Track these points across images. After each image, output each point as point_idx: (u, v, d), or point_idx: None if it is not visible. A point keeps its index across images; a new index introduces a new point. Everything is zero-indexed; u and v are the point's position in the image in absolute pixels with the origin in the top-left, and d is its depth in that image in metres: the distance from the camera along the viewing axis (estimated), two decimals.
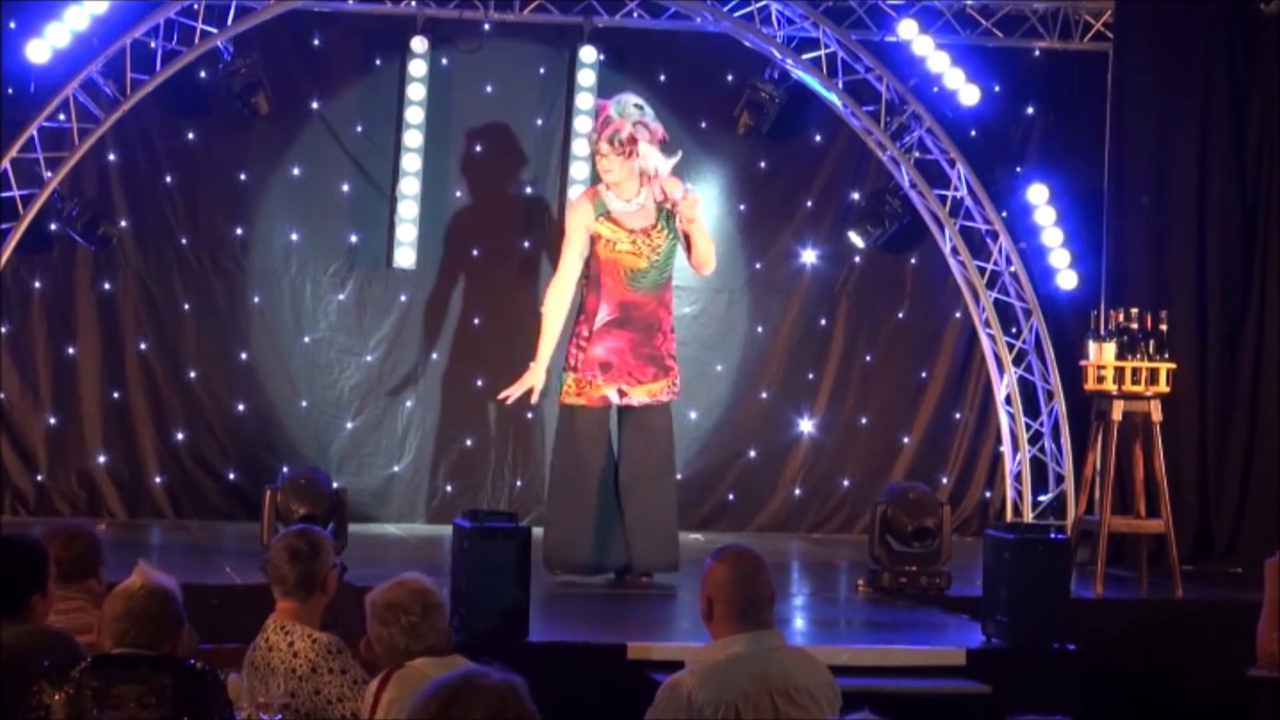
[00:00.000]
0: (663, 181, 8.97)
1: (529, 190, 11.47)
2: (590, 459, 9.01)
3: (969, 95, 11.26)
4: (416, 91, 11.15)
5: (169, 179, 11.14)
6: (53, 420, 11.01)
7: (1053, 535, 7.80)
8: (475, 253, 11.51)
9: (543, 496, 11.23)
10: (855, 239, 11.66)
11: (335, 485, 9.11)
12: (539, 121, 11.42)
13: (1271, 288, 10.87)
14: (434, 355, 11.44)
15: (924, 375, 11.86)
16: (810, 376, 11.81)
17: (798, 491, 11.76)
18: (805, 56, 11.10)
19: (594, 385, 8.96)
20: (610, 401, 8.97)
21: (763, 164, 11.75)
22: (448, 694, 3.19)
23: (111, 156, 11.01)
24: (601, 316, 8.95)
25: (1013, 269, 11.23)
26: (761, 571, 4.64)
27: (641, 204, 8.96)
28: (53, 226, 10.82)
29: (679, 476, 11.39)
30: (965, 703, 7.07)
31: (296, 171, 11.30)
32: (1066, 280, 11.38)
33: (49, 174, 10.42)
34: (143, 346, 11.13)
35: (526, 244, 11.49)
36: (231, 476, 11.15)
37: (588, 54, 11.30)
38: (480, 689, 3.19)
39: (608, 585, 8.98)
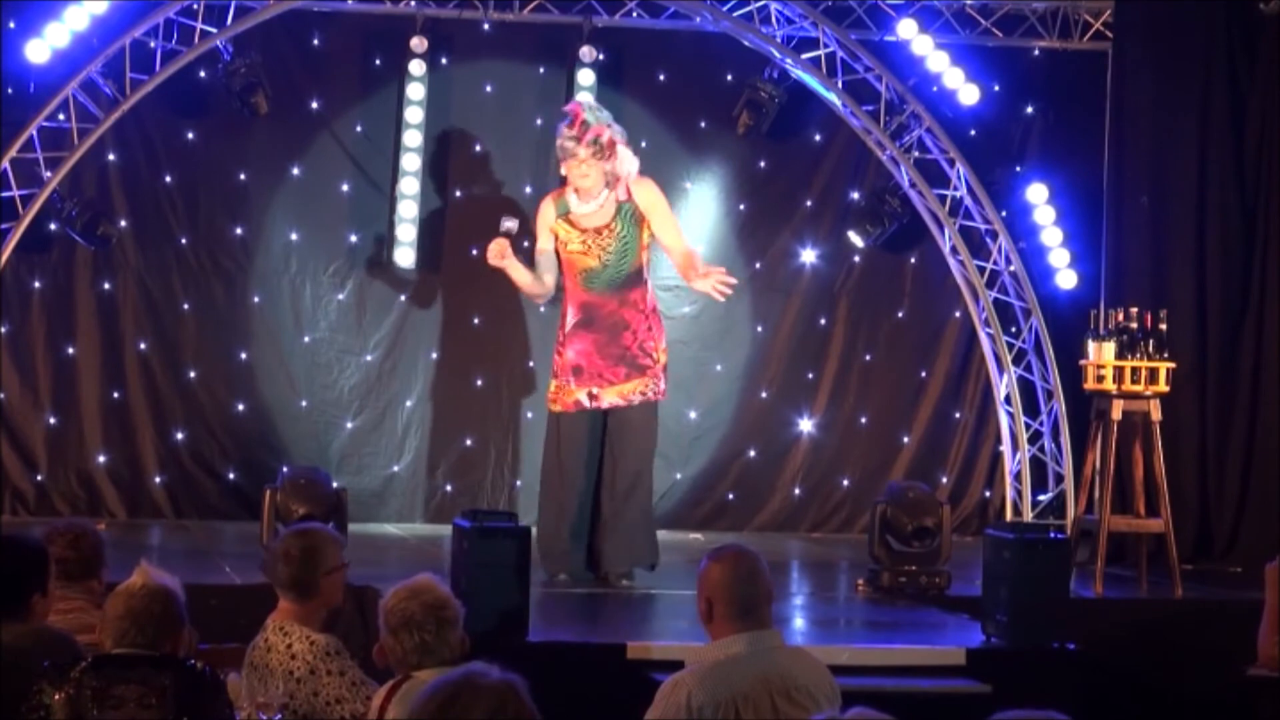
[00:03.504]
0: (629, 182, 9.02)
1: (529, 190, 11.46)
2: (569, 465, 9.02)
3: (968, 95, 11.26)
4: (416, 91, 11.15)
5: (169, 179, 11.14)
6: (53, 420, 11.01)
7: (1052, 535, 7.80)
8: (475, 253, 11.48)
9: None
10: (855, 239, 11.66)
11: (335, 485, 9.11)
12: (539, 121, 11.41)
13: (1271, 288, 10.86)
14: (434, 355, 11.44)
15: (924, 375, 11.86)
16: (810, 376, 11.81)
17: (797, 491, 11.76)
18: (805, 56, 11.09)
19: (567, 390, 9.02)
20: (583, 405, 8.98)
21: (762, 164, 11.74)
22: (448, 693, 3.19)
23: (111, 156, 11.01)
24: (569, 320, 9.06)
25: (1012, 268, 11.22)
26: (759, 571, 4.65)
27: (601, 204, 9.00)
28: (52, 226, 10.82)
29: (678, 476, 11.51)
30: (965, 702, 7.07)
31: (296, 171, 11.30)
32: (1066, 280, 11.38)
33: (49, 174, 10.42)
34: (143, 346, 11.12)
35: (526, 244, 11.47)
36: (231, 476, 11.15)
37: (587, 54, 11.29)
38: (480, 688, 3.19)
39: (604, 585, 8.99)
